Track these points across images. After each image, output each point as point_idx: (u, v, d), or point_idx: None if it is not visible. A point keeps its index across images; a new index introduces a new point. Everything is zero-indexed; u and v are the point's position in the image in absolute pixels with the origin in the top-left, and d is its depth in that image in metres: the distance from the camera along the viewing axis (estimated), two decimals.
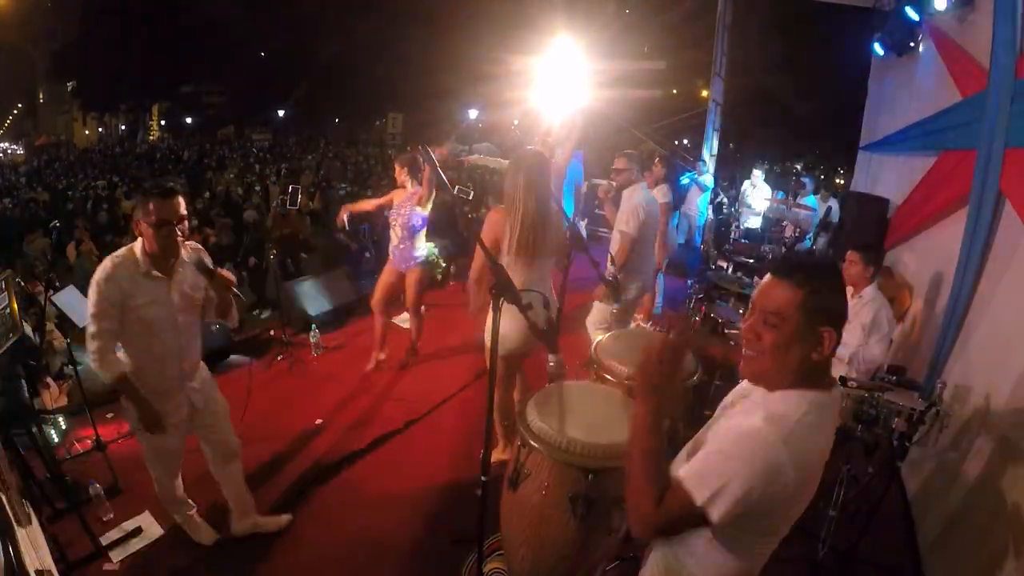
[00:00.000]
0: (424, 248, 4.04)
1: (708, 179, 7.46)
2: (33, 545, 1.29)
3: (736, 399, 1.30)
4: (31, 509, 1.40)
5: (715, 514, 1.09)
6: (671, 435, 1.89)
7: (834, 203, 6.80)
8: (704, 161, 7.84)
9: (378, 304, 4.07)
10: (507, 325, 2.44)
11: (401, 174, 3.92)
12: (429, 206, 3.88)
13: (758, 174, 7.69)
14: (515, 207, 2.55)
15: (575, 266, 2.88)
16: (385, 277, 4.04)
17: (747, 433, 1.10)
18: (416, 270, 3.97)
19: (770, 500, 1.09)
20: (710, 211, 7.77)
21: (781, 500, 1.10)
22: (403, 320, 5.14)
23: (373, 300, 4.10)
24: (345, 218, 3.99)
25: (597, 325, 3.71)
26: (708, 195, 7.05)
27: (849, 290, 3.18)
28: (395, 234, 3.93)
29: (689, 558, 1.27)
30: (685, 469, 1.15)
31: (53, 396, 3.69)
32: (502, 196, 2.65)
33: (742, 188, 8.24)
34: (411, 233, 3.88)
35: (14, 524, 1.29)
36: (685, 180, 7.20)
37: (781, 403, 1.12)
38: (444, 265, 4.18)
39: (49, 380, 3.76)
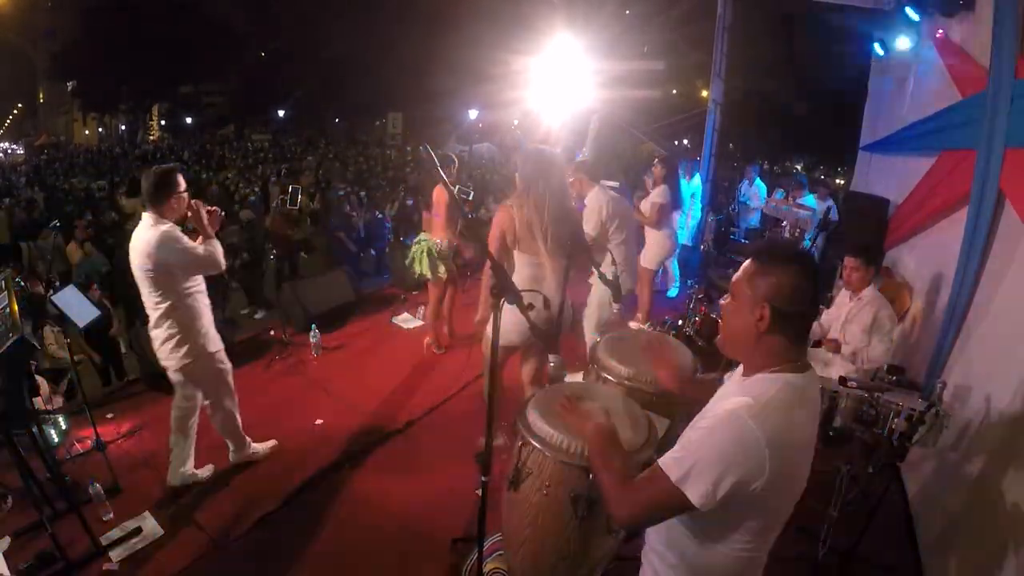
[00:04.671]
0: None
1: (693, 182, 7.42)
2: None
3: (724, 391, 1.31)
4: None
5: (693, 494, 1.10)
6: (671, 435, 1.89)
7: (831, 203, 6.79)
8: (696, 163, 7.78)
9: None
10: (506, 319, 2.45)
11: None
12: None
13: (752, 174, 7.74)
14: (530, 203, 2.53)
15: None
16: None
17: (720, 414, 1.14)
18: None
19: (750, 484, 1.09)
20: (710, 212, 7.75)
21: (763, 486, 1.09)
22: (403, 320, 5.16)
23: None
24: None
25: (595, 326, 3.74)
26: (700, 197, 7.00)
27: (847, 293, 3.18)
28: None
29: (682, 562, 1.28)
30: (665, 454, 1.18)
31: (44, 393, 3.66)
32: (506, 192, 2.65)
33: (739, 187, 8.25)
34: None
35: None
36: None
37: (753, 385, 1.17)
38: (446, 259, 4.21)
39: (40, 379, 3.72)
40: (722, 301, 1.28)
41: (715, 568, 1.24)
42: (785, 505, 1.21)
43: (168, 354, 2.64)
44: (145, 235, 2.48)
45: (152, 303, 2.57)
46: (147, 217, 2.53)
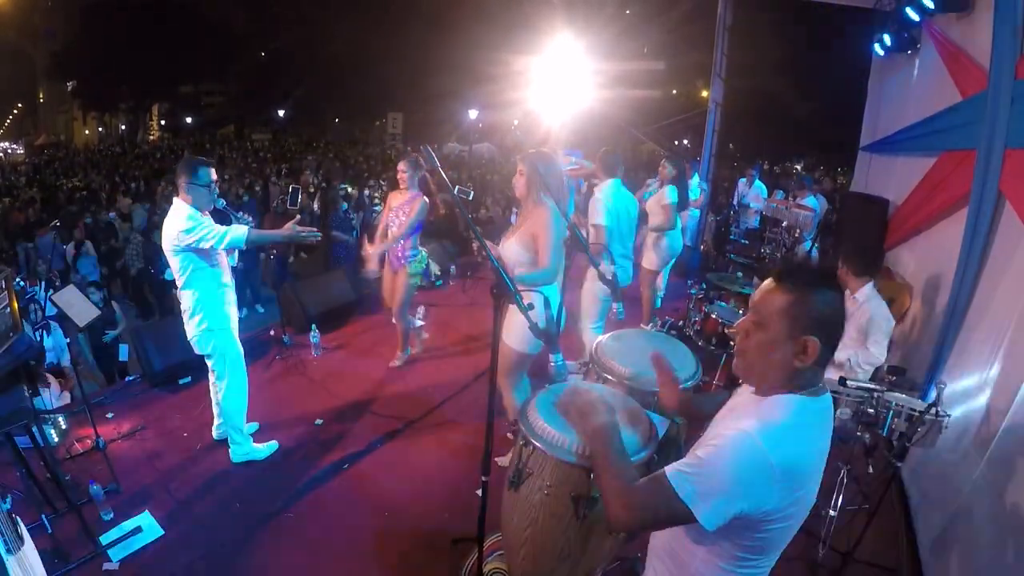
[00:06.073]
0: (417, 252, 4.00)
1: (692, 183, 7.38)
2: (24, 569, 1.27)
3: (735, 404, 1.29)
4: (22, 526, 1.38)
5: (700, 514, 1.07)
6: (671, 435, 1.89)
7: (822, 200, 6.76)
8: (695, 163, 7.75)
9: (392, 304, 4.13)
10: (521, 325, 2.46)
11: (403, 176, 3.90)
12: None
13: (752, 172, 7.74)
14: (533, 205, 2.58)
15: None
16: (386, 280, 4.07)
17: (734, 436, 1.10)
18: (405, 271, 3.94)
19: (760, 508, 1.07)
20: (710, 212, 7.76)
21: (773, 510, 1.08)
22: None
23: (388, 305, 4.18)
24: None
25: (592, 321, 3.74)
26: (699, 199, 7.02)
27: (846, 292, 3.18)
28: (392, 235, 3.88)
29: (685, 573, 1.27)
30: (673, 465, 1.14)
31: (55, 389, 3.69)
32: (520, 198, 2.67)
33: (737, 188, 8.25)
34: (408, 235, 3.88)
35: (3, 556, 1.27)
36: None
37: (769, 407, 1.13)
38: (438, 272, 4.13)
39: (49, 376, 3.75)
40: (739, 324, 1.19)
41: None
42: (794, 525, 1.18)
43: (187, 322, 2.89)
44: (168, 216, 2.73)
45: (176, 277, 2.82)
46: (176, 199, 2.76)
